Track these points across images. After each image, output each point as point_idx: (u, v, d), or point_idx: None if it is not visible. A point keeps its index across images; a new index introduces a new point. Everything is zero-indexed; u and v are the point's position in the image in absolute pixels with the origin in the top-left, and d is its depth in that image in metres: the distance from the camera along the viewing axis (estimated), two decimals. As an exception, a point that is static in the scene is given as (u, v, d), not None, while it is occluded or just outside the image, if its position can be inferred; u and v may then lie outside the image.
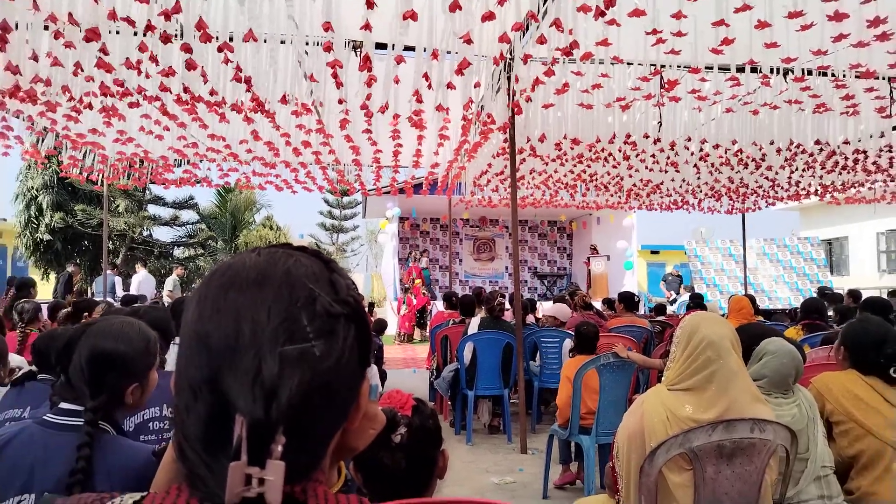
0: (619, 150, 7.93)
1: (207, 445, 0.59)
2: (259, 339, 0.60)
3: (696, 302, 8.70)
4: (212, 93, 5.03)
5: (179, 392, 0.62)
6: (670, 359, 2.26)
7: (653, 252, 24.81)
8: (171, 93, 5.09)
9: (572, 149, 7.76)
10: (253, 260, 0.66)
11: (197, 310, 0.64)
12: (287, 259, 0.67)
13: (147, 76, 4.84)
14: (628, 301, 6.82)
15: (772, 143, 7.12)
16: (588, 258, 18.68)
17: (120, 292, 12.73)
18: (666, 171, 9.15)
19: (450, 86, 4.84)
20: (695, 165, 8.76)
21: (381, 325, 7.97)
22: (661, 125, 6.44)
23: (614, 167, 8.93)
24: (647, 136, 6.95)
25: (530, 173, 9.49)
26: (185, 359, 0.63)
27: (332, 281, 0.67)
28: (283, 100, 5.12)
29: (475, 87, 5.38)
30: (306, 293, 0.63)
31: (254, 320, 0.61)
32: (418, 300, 15.11)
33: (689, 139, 7.47)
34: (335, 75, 4.57)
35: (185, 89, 4.86)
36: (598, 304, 10.16)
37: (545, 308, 8.67)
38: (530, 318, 7.43)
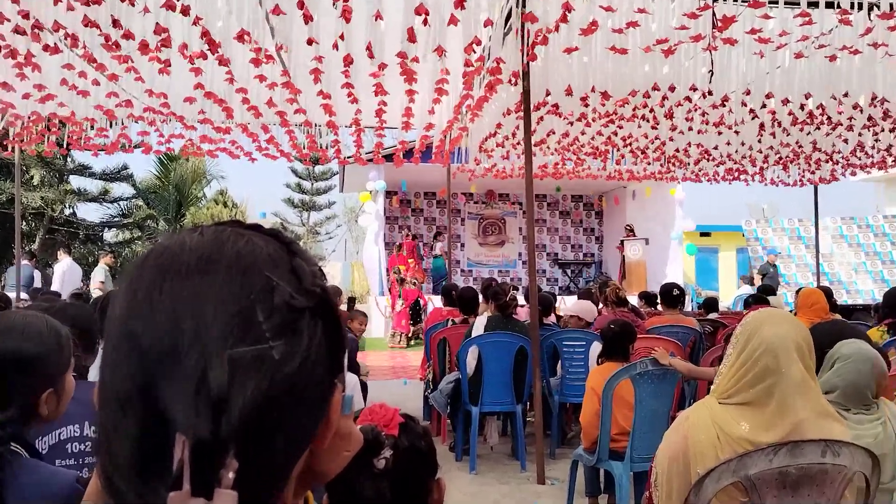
0: (661, 106, 7.90)
1: (140, 472, 0.59)
2: (203, 339, 0.60)
3: (758, 296, 8.72)
4: (157, 30, 4.98)
5: (104, 406, 0.62)
6: (723, 364, 2.27)
7: (703, 234, 24.85)
8: (99, 30, 5.04)
9: (602, 104, 7.73)
10: (195, 241, 0.66)
11: (125, 303, 0.64)
12: (237, 239, 0.66)
13: (69, 7, 4.79)
14: (669, 295, 6.84)
15: (845, 95, 7.09)
16: (622, 241, 18.71)
17: (39, 285, 12.70)
18: (720, 133, 9.13)
19: (452, 20, 4.80)
20: (761, 125, 8.74)
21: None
22: (712, 74, 6.40)
23: (654, 128, 8.90)
24: (694, 89, 6.93)
25: (549, 135, 9.47)
26: (112, 364, 0.63)
27: (294, 267, 0.67)
28: (241, 37, 5.08)
29: (485, 25, 5.34)
30: (262, 282, 0.63)
31: (196, 316, 0.61)
32: (409, 293, 15.20)
33: (749, 92, 7.44)
34: (301, 5, 4.53)
35: (115, 23, 4.81)
36: (633, 299, 10.19)
37: (567, 305, 8.68)
38: (550, 318, 7.45)
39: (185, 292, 0.62)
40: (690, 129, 8.94)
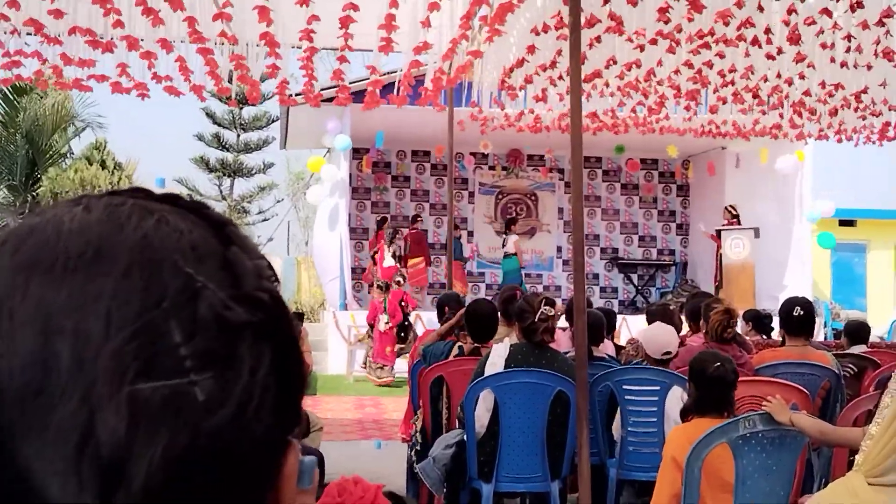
0: (781, 24, 7.86)
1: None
2: (89, 369, 0.60)
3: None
4: None
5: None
6: (874, 424, 2.28)
7: (843, 223, 24.86)
8: None
9: (690, 19, 7.71)
10: (78, 219, 0.66)
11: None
12: (143, 218, 0.67)
13: None
14: (793, 317, 6.84)
15: None
16: (718, 231, 18.70)
17: None
18: (870, 67, 9.10)
19: None
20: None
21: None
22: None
23: (771, 57, 8.88)
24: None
25: (607, 66, 9.46)
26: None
27: (230, 260, 0.68)
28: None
29: None
30: (180, 283, 0.64)
31: (78, 334, 0.61)
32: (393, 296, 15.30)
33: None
34: None
35: None
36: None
37: (632, 332, 8.66)
38: (605, 346, 7.45)
39: (62, 299, 0.62)
40: (832, 59, 8.90)
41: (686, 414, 4.72)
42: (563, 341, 7.16)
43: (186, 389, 0.61)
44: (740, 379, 4.85)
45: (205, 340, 0.63)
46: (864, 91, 10.23)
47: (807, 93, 10.62)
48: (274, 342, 0.67)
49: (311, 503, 0.75)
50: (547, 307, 6.03)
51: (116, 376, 0.60)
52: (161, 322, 0.62)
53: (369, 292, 16.74)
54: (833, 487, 2.33)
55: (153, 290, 0.63)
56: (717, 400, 4.57)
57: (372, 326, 15.36)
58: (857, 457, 2.36)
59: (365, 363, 15.41)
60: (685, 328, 8.21)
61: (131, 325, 0.61)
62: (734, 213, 18.59)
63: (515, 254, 18.77)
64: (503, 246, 19.22)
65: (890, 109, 11.18)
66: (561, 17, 7.42)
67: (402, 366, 14.65)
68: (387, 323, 15.10)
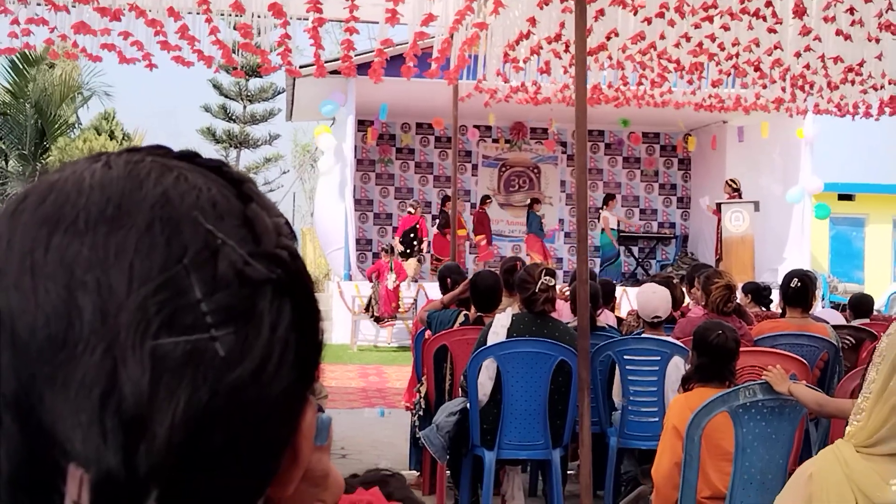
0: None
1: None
2: (111, 323, 0.60)
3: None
4: None
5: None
6: (863, 395, 2.28)
7: (842, 196, 24.82)
8: None
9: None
10: (99, 176, 0.66)
11: (-11, 268, 0.64)
12: (163, 175, 0.66)
13: None
14: (793, 289, 6.85)
15: None
16: (718, 205, 18.66)
17: None
18: (877, 40, 9.06)
19: None
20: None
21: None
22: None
23: (772, 31, 8.84)
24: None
25: (610, 39, 9.41)
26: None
27: (249, 217, 0.67)
28: None
29: None
30: (200, 240, 0.63)
31: (101, 289, 0.61)
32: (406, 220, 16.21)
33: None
34: None
35: None
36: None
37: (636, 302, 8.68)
38: (606, 317, 7.46)
39: (85, 253, 0.62)
40: (839, 32, 8.86)
41: (687, 382, 4.73)
42: (564, 311, 7.18)
43: (207, 345, 0.61)
44: (741, 349, 4.86)
45: (225, 296, 0.62)
46: (861, 64, 10.17)
47: (807, 66, 10.57)
48: (293, 299, 0.66)
49: (327, 460, 0.75)
50: (547, 277, 6.05)
51: (139, 330, 0.60)
52: (182, 278, 0.62)
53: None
54: (823, 455, 2.33)
55: (174, 246, 0.62)
56: (719, 368, 4.58)
57: (375, 281, 16.17)
58: (847, 428, 2.36)
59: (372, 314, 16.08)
60: (687, 299, 8.23)
61: (154, 280, 0.61)
62: (735, 186, 18.54)
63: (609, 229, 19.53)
64: (598, 220, 19.66)
65: (890, 83, 11.12)
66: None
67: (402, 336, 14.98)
68: (394, 281, 15.92)
